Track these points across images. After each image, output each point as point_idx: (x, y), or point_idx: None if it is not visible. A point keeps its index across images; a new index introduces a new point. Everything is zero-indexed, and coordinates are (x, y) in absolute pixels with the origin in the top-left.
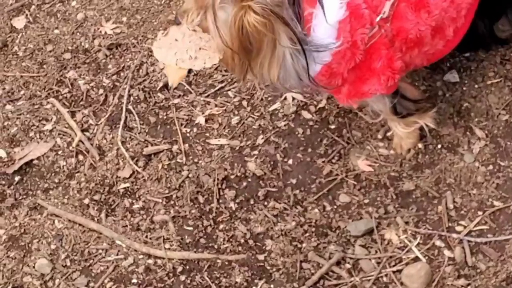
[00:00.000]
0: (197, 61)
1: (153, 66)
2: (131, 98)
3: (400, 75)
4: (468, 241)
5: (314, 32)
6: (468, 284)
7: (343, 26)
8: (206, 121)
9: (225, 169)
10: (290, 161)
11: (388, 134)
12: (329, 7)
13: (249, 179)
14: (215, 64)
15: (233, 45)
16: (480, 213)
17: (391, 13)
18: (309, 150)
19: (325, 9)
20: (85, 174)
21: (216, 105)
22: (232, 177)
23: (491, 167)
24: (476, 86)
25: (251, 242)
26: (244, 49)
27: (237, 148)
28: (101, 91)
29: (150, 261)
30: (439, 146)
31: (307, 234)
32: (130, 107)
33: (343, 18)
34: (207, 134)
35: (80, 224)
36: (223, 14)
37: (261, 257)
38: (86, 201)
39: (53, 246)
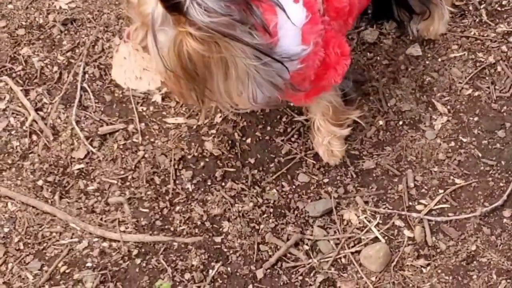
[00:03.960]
0: (141, 82)
1: (109, 42)
2: (86, 76)
3: (350, 57)
4: (429, 220)
5: (282, 42)
6: (428, 264)
7: (307, 30)
8: (162, 99)
9: (182, 149)
10: (249, 140)
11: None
12: (292, 13)
13: (207, 159)
14: (159, 87)
15: (176, 69)
16: (441, 191)
17: (324, 3)
18: (268, 128)
19: (290, 16)
20: (39, 155)
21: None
22: (189, 157)
23: (452, 143)
24: (439, 59)
25: (207, 224)
26: (189, 75)
27: (194, 127)
28: (55, 68)
29: (105, 244)
30: (401, 122)
31: (265, 215)
32: (85, 85)
33: (306, 21)
34: (164, 113)
35: (33, 207)
36: (163, 36)
37: (218, 239)
38: (40, 182)
39: (6, 229)
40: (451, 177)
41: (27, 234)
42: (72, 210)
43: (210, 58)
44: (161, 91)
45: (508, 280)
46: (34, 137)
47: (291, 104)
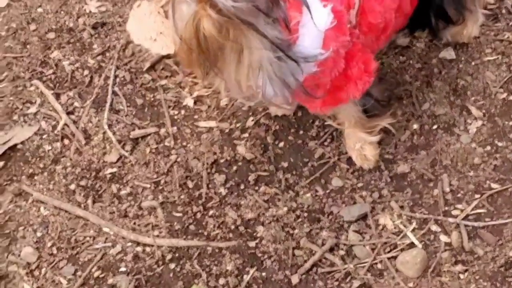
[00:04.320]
0: (155, 44)
1: (139, 46)
2: (117, 80)
3: (375, 75)
4: (465, 225)
5: (301, 41)
6: (466, 270)
7: (330, 35)
8: (194, 103)
9: (215, 153)
10: (281, 144)
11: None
12: (318, 15)
13: (239, 163)
14: (170, 54)
15: (190, 43)
16: (477, 196)
17: (358, 16)
18: (301, 132)
19: (314, 17)
20: (71, 159)
21: (204, 86)
22: (222, 161)
23: (488, 147)
24: (472, 63)
25: (241, 228)
26: (202, 51)
27: (227, 131)
28: (86, 72)
29: (139, 248)
30: (435, 126)
31: (299, 220)
32: (116, 88)
33: (330, 26)
34: (196, 117)
35: (66, 211)
36: (184, 7)
37: (252, 244)
38: (72, 186)
39: (39, 234)
40: (487, 182)
41: (60, 238)
42: (105, 215)
43: (224, 43)
44: (192, 95)
45: None
46: (66, 141)
47: None
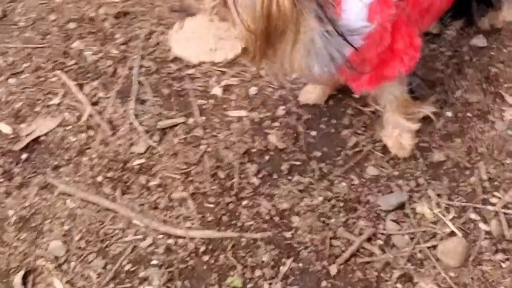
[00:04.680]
0: (218, 52)
1: (163, 35)
2: (142, 69)
3: (420, 51)
4: (505, 213)
5: (345, 14)
6: (507, 259)
7: (374, 8)
8: (223, 92)
9: (246, 142)
10: (314, 133)
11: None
12: None
13: (271, 153)
14: (237, 56)
15: (256, 30)
16: None
17: None
18: (333, 121)
19: None
20: (96, 150)
21: (232, 76)
22: (253, 150)
23: None
24: (504, 50)
25: (276, 219)
26: (268, 34)
27: (257, 120)
28: (109, 62)
29: (170, 241)
30: (469, 114)
31: (335, 209)
32: (141, 78)
33: None
34: (225, 106)
35: (94, 203)
36: None
37: (287, 234)
38: (99, 178)
39: (66, 227)
40: None
41: (89, 231)
42: (134, 207)
43: (291, 18)
44: (220, 84)
45: None
46: (91, 132)
47: (355, 96)
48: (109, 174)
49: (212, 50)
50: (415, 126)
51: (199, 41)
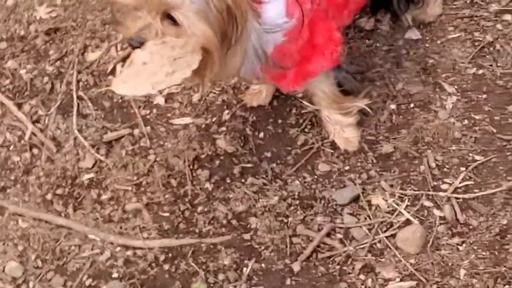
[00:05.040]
0: (175, 74)
1: (99, 48)
2: (80, 84)
3: (341, 45)
4: (456, 198)
5: (267, 11)
6: (463, 242)
7: (291, 3)
8: (165, 101)
9: (194, 149)
10: (261, 135)
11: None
12: None
13: (221, 157)
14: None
15: (214, 33)
16: (462, 169)
17: None
18: (279, 121)
19: None
20: (43, 168)
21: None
22: (203, 156)
23: (466, 121)
24: (438, 41)
25: (234, 222)
26: (224, 35)
27: (203, 126)
28: (46, 79)
29: (129, 252)
30: (411, 105)
31: (291, 208)
32: (81, 93)
33: None
34: (169, 115)
35: (46, 221)
36: (189, 14)
37: (247, 236)
38: (49, 196)
39: (20, 248)
40: (470, 155)
41: (44, 250)
42: (88, 221)
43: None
44: (162, 93)
45: None
46: (35, 151)
47: (298, 95)
48: (59, 191)
49: (169, 75)
50: (352, 119)
51: (153, 69)
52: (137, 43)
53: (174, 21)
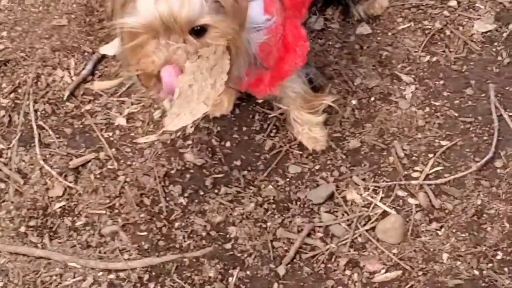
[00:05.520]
0: (217, 83)
1: (52, 76)
2: (38, 113)
3: (308, 40)
4: (428, 184)
5: (250, 11)
6: (441, 226)
7: (268, 2)
8: (127, 121)
9: (163, 166)
10: (228, 144)
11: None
12: None
13: (191, 170)
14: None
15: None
16: (431, 155)
17: None
18: (244, 128)
19: None
20: (12, 202)
21: (132, 103)
22: (173, 172)
23: (427, 109)
24: (389, 33)
25: (213, 233)
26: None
27: (169, 142)
28: (2, 112)
29: (112, 276)
30: (372, 98)
31: (269, 213)
32: (40, 122)
33: None
34: (132, 134)
35: (23, 255)
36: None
37: (228, 246)
38: (22, 229)
39: (0, 284)
40: (436, 140)
41: (25, 283)
42: (66, 249)
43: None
44: (122, 114)
45: None
46: (2, 185)
47: (259, 101)
48: (32, 223)
49: (213, 86)
50: (321, 118)
51: (199, 89)
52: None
53: (197, 35)
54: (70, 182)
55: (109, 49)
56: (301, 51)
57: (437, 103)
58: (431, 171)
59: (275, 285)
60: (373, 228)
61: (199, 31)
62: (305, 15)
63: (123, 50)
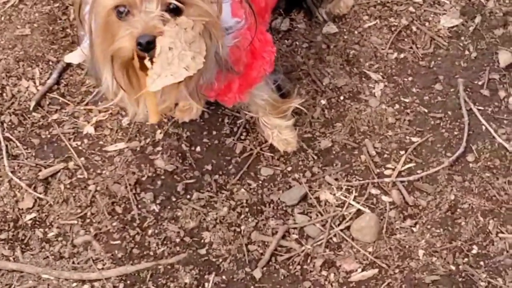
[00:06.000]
0: (196, 59)
1: (17, 87)
2: (5, 125)
3: (274, 45)
4: (401, 182)
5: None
6: (416, 223)
7: (236, 5)
8: (95, 129)
9: (134, 173)
10: (198, 148)
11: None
12: None
13: (162, 177)
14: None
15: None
16: (402, 152)
17: None
18: (214, 132)
19: None
20: None
21: (99, 111)
22: (144, 179)
23: (397, 106)
24: (355, 32)
25: (187, 239)
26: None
27: (138, 149)
28: None
29: (86, 286)
30: (341, 97)
31: (242, 216)
32: (7, 134)
33: None
34: (101, 142)
35: None
36: None
37: (203, 251)
38: None
39: None
40: (407, 137)
41: None
42: (39, 261)
43: None
44: (91, 122)
45: (495, 219)
46: None
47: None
48: (3, 236)
49: (192, 59)
50: (290, 122)
51: (179, 54)
52: (149, 38)
53: (174, 13)
54: (40, 193)
55: (74, 57)
56: (268, 57)
57: (406, 100)
58: (403, 168)
59: None
60: (348, 228)
61: (175, 10)
62: (268, 21)
63: (92, 51)
